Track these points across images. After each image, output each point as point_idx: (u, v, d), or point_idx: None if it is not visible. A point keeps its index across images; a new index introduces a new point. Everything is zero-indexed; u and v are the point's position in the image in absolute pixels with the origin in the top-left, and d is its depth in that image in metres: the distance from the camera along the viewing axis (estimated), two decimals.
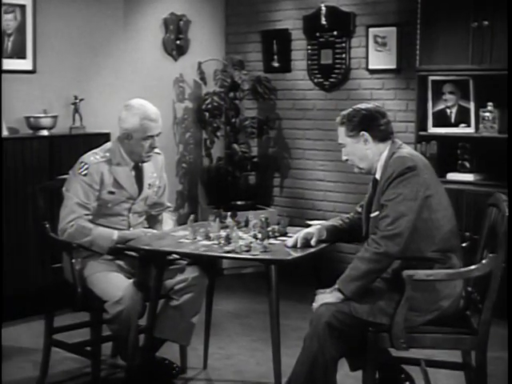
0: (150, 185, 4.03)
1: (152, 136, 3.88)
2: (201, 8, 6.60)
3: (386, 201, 3.22)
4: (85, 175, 3.85)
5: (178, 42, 6.38)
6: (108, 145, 4.02)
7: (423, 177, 3.22)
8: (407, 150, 3.34)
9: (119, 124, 3.92)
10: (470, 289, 3.42)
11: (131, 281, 3.75)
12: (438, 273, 3.17)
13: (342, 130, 3.39)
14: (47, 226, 3.96)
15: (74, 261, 3.79)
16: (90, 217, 3.86)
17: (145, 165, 4.00)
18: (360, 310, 3.17)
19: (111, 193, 3.89)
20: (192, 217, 3.96)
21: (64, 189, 3.91)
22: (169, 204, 4.24)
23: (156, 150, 4.01)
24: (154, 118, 3.89)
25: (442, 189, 3.34)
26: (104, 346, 4.01)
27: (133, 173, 3.97)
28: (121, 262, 3.89)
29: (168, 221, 4.12)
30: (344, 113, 3.41)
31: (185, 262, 3.95)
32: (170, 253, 3.73)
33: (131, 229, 3.94)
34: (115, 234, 3.84)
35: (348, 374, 3.57)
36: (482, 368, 3.20)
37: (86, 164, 3.88)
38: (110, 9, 5.88)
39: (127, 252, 3.85)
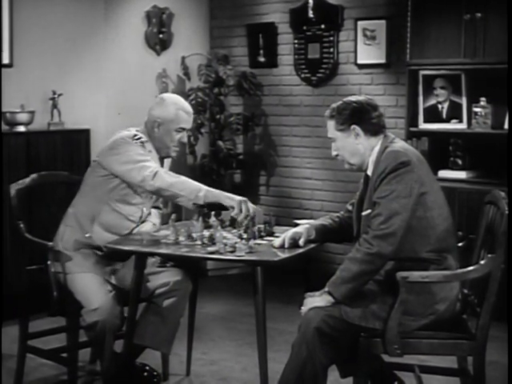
0: None
1: (184, 129, 3.79)
2: (184, 1, 6.51)
3: (378, 198, 3.10)
4: (142, 145, 3.71)
5: (160, 35, 6.28)
6: (138, 133, 3.80)
7: (417, 173, 3.11)
8: (400, 145, 3.22)
9: (149, 113, 3.81)
10: (466, 291, 3.31)
11: (112, 293, 3.62)
12: (433, 274, 3.05)
13: (331, 124, 3.26)
14: (22, 225, 3.81)
15: (49, 262, 3.66)
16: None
17: (164, 162, 3.89)
18: (351, 314, 3.06)
19: None
20: (174, 216, 3.82)
21: (111, 155, 3.69)
22: (160, 205, 4.14)
23: None
24: (189, 111, 3.82)
25: (437, 186, 3.23)
26: (82, 351, 3.94)
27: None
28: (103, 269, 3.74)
29: (154, 216, 3.98)
30: (333, 106, 3.29)
31: (168, 265, 3.83)
32: (151, 254, 3.60)
33: (140, 224, 3.82)
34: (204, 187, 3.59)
35: (338, 381, 3.45)
36: (479, 374, 3.09)
37: (140, 137, 3.74)
38: (91, 0, 5.78)
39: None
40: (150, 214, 3.93)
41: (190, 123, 3.84)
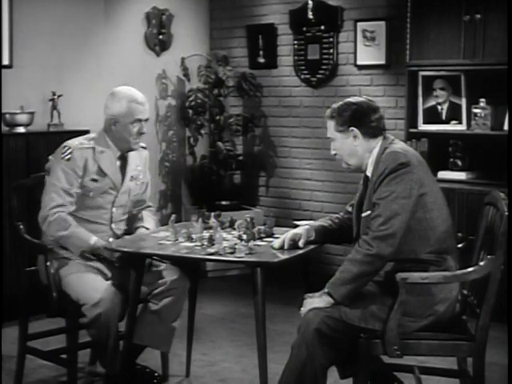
0: (132, 177, 3.89)
1: (140, 120, 3.77)
2: (184, 2, 6.50)
3: (377, 199, 3.09)
4: (68, 160, 3.71)
5: (160, 36, 6.26)
6: (92, 134, 3.89)
7: (417, 174, 3.10)
8: (400, 146, 3.21)
9: (105, 111, 3.81)
10: (465, 292, 3.30)
11: (110, 282, 3.62)
12: (433, 275, 3.04)
13: (331, 124, 3.26)
14: (21, 227, 3.81)
15: (48, 263, 3.66)
16: (74, 206, 3.70)
17: (130, 156, 3.88)
18: (351, 315, 3.05)
19: (94, 180, 3.75)
20: (173, 217, 3.81)
21: (46, 174, 3.77)
22: (150, 203, 4.10)
23: (142, 145, 3.91)
24: (142, 101, 3.79)
25: (437, 187, 3.22)
26: (82, 352, 3.92)
27: (118, 162, 3.84)
28: (99, 265, 3.72)
29: (148, 219, 3.98)
30: (334, 106, 3.28)
31: (163, 265, 3.81)
32: (150, 255, 3.59)
33: (113, 225, 3.80)
34: (93, 240, 3.67)
35: (338, 382, 3.44)
36: (479, 375, 3.08)
37: (69, 148, 3.74)
38: (91, 1, 5.77)
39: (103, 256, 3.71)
40: (141, 218, 3.92)
41: (146, 113, 3.80)
